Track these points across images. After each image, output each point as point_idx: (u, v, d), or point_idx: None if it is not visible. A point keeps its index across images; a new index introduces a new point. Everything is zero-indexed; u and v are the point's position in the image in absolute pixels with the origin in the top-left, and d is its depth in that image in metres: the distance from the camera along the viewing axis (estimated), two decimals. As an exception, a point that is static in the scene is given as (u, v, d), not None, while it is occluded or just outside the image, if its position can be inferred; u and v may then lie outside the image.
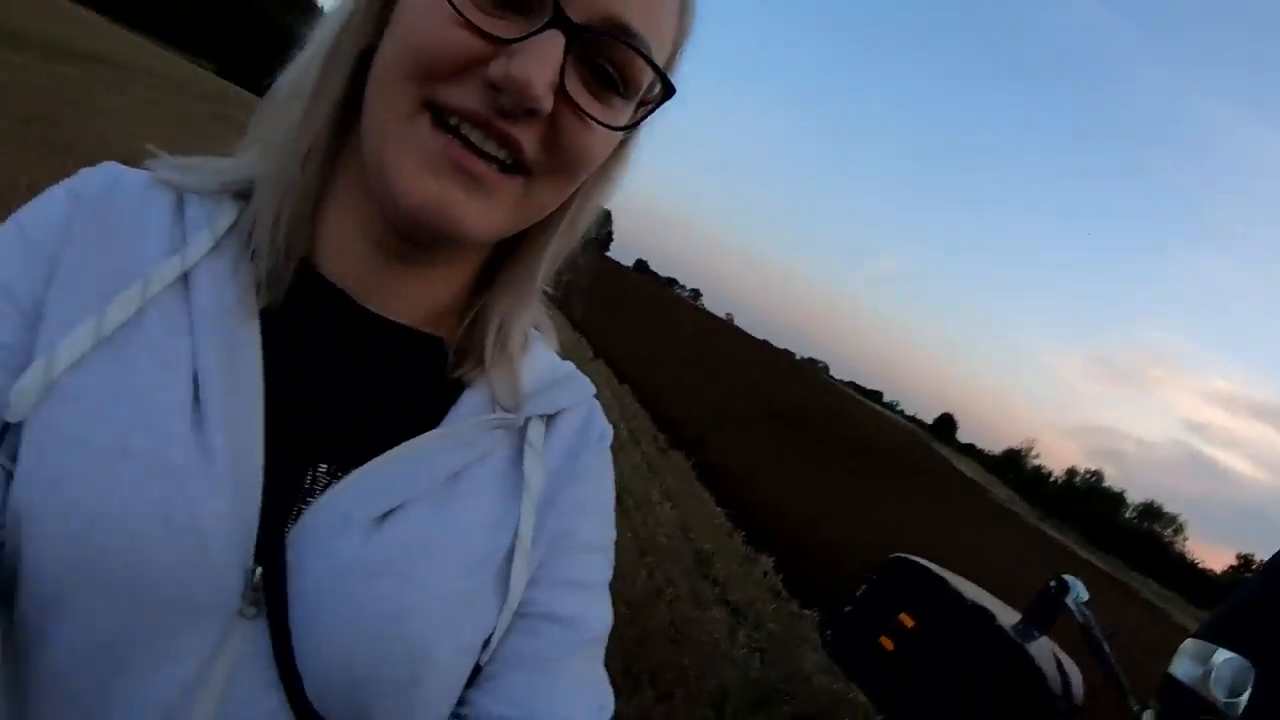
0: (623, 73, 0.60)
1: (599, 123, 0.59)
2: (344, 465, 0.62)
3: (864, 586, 3.46)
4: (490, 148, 0.57)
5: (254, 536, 0.56)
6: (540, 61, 0.54)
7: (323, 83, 0.64)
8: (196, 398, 0.58)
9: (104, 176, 0.65)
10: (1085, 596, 3.11)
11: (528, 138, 0.58)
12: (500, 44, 0.55)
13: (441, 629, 0.60)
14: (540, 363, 0.76)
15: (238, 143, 0.70)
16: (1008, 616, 3.01)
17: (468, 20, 0.55)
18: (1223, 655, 2.41)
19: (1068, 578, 3.12)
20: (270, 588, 0.56)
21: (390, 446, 0.63)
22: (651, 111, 0.66)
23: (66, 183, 0.65)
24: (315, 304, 0.65)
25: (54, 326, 0.57)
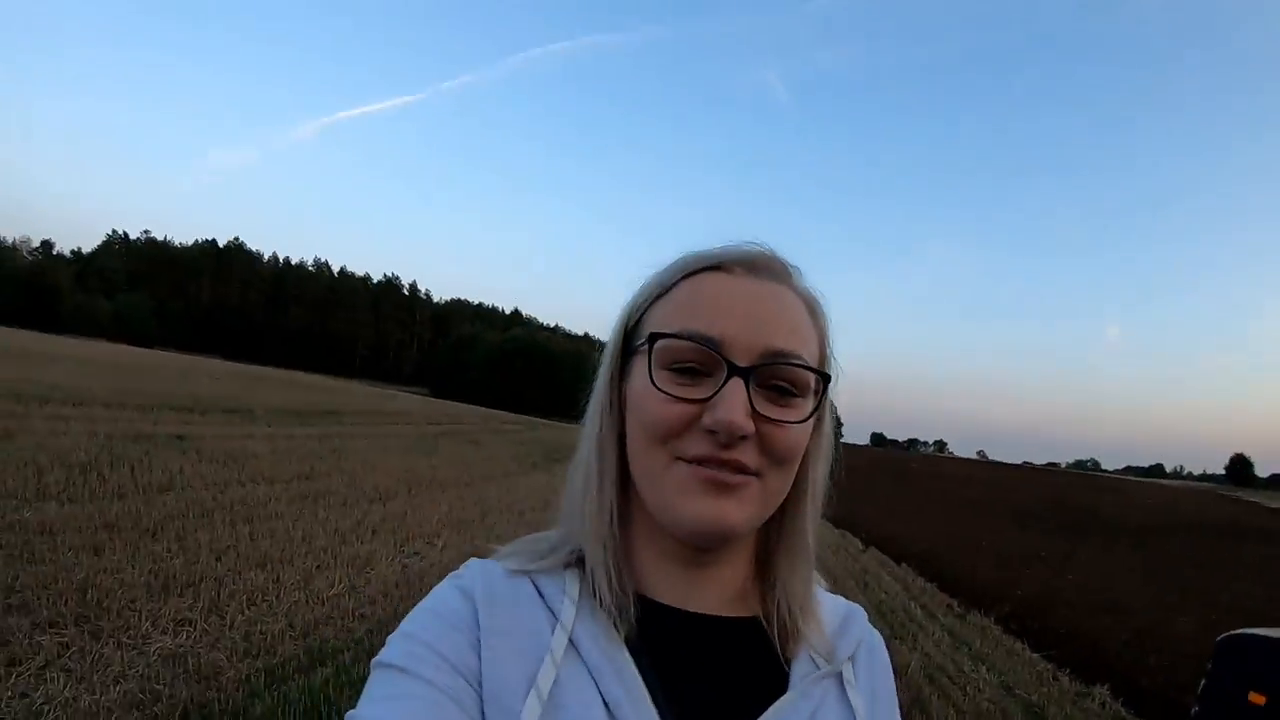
0: (791, 381, 0.81)
1: (789, 422, 0.80)
2: None
3: (1203, 680, 3.38)
4: (726, 470, 0.78)
5: None
6: (733, 405, 0.76)
7: (603, 467, 0.87)
8: (610, 715, 0.75)
9: (481, 577, 0.85)
10: None
11: (747, 454, 0.78)
12: (703, 403, 0.78)
13: None
14: (828, 608, 0.96)
15: (555, 519, 0.94)
16: None
17: (677, 397, 0.79)
18: None
19: None
20: None
21: (758, 714, 0.81)
22: (824, 395, 0.86)
23: (453, 581, 0.85)
24: (659, 621, 0.84)
25: (500, 697, 0.74)
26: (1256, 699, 2.93)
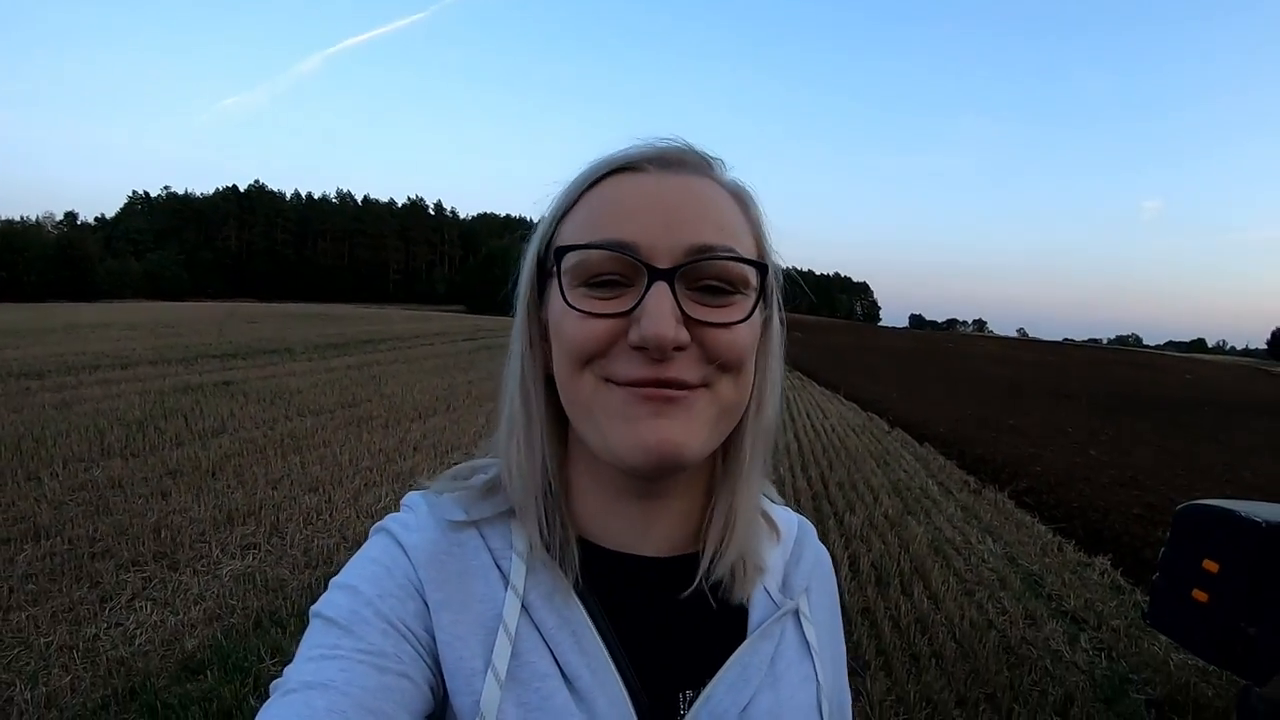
0: (725, 278, 0.72)
1: (730, 323, 0.71)
2: (696, 683, 0.78)
3: (1163, 549, 3.38)
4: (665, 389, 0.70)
5: None
6: (659, 314, 0.67)
7: (529, 410, 0.79)
8: (572, 687, 0.73)
9: (423, 530, 0.79)
10: None
11: (687, 367, 0.70)
12: (626, 316, 0.70)
13: None
14: (781, 526, 0.93)
15: (483, 448, 0.87)
16: None
17: (595, 314, 0.70)
18: None
19: None
20: None
21: (723, 659, 0.80)
22: (766, 289, 0.78)
23: (393, 536, 0.79)
24: (611, 570, 0.79)
25: (459, 676, 0.72)
26: (1210, 566, 3.05)
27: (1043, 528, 9.42)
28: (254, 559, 6.15)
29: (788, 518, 0.96)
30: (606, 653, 0.75)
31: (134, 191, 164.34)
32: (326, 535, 6.80)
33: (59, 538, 6.32)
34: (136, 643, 4.71)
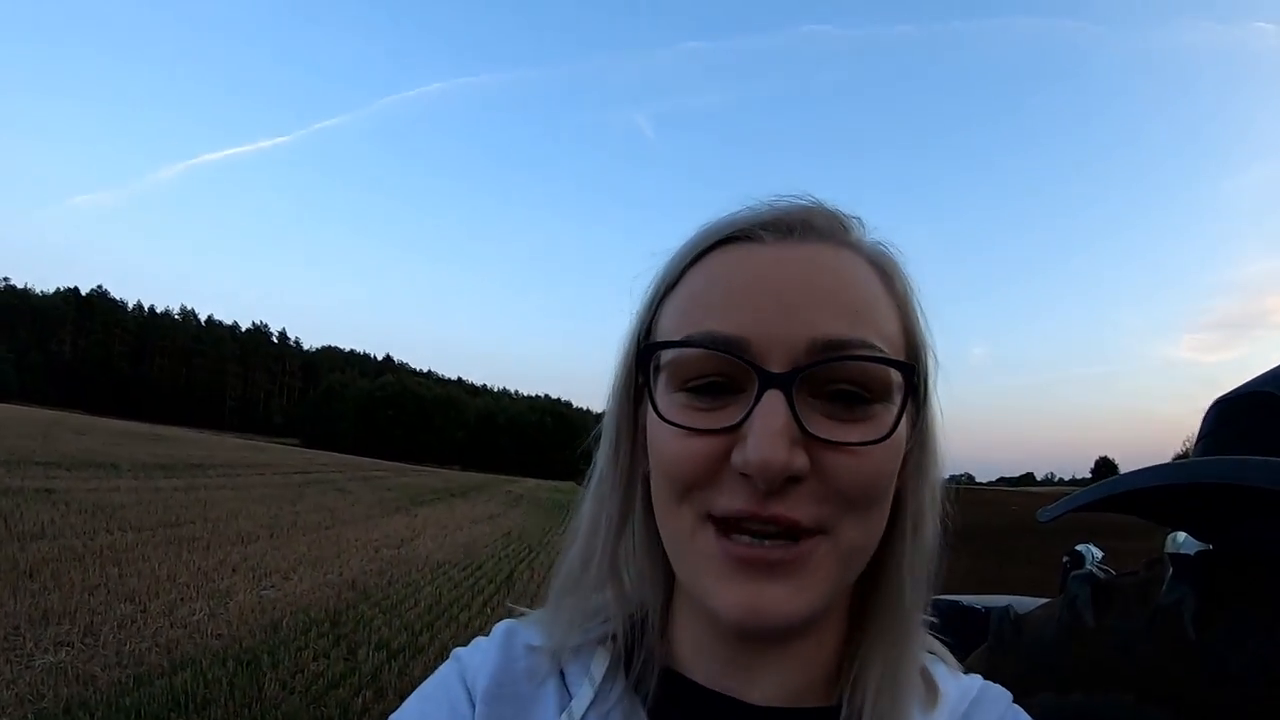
0: (860, 382, 0.57)
1: (863, 444, 0.56)
2: None
3: None
4: (772, 530, 0.56)
5: None
6: (767, 432, 0.53)
7: (616, 528, 0.68)
8: None
9: (492, 657, 0.70)
10: (1099, 556, 3.36)
11: (801, 504, 0.56)
12: (731, 433, 0.56)
13: None
14: (950, 695, 0.69)
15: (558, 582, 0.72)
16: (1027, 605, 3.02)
17: (694, 429, 0.57)
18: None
19: (1079, 548, 3.37)
20: None
21: None
22: (914, 393, 0.62)
23: (457, 665, 0.71)
24: (698, 713, 0.66)
25: None
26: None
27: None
28: (66, 655, 6.50)
29: (962, 683, 0.72)
30: None
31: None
32: (139, 641, 7.16)
33: None
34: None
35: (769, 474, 0.53)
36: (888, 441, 0.57)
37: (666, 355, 0.60)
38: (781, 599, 0.56)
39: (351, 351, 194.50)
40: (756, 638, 0.62)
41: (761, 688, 0.65)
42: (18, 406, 62.87)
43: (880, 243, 0.65)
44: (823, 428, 0.56)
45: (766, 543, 0.56)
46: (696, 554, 0.59)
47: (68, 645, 6.78)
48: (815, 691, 0.66)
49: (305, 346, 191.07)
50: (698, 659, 0.67)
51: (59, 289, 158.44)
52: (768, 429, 0.54)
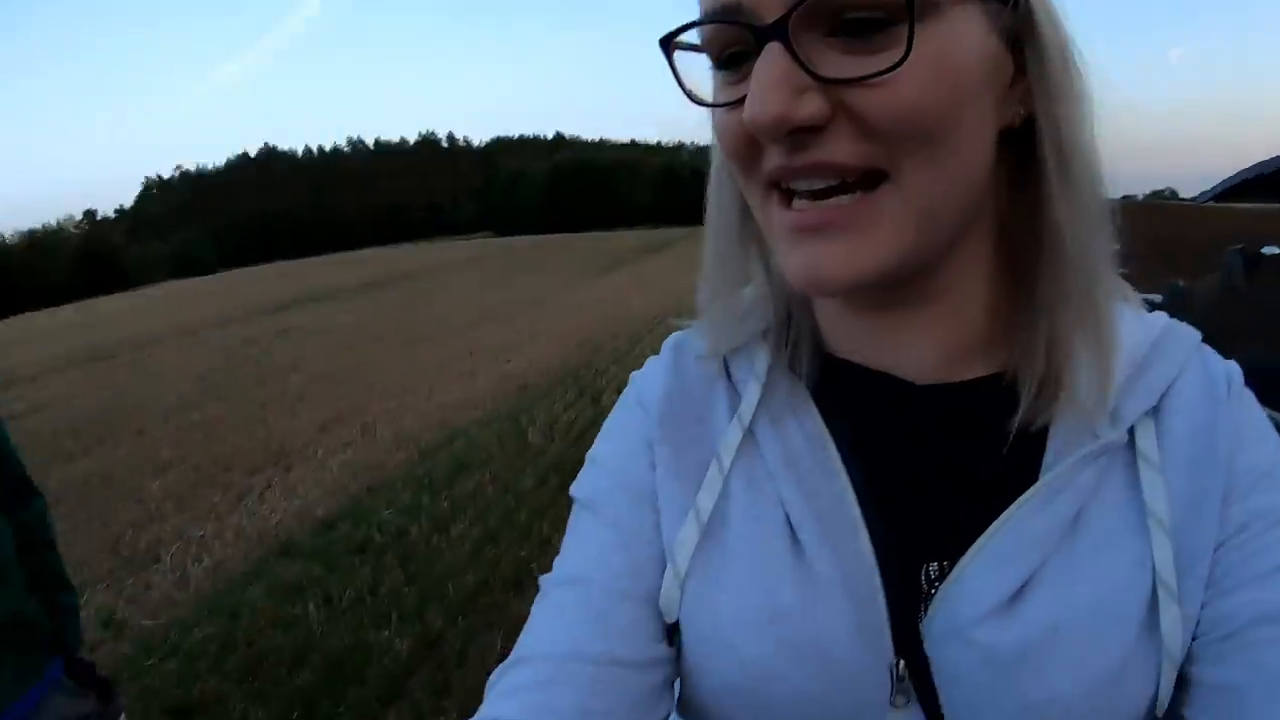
0: (870, 3, 0.47)
1: (885, 71, 0.46)
2: (950, 553, 0.57)
3: None
4: (813, 185, 0.51)
5: (886, 641, 0.56)
6: (761, 88, 0.47)
7: (725, 218, 0.64)
8: (794, 537, 0.59)
9: (663, 374, 0.70)
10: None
11: (836, 144, 0.49)
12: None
13: (1098, 708, 0.53)
14: (1130, 338, 0.60)
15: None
16: None
17: (720, 104, 0.54)
18: None
19: (1264, 249, 3.32)
20: (915, 676, 0.56)
21: (989, 520, 0.56)
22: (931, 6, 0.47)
23: (634, 387, 0.72)
24: (853, 390, 0.63)
25: (667, 521, 0.63)
26: None
27: None
28: (353, 453, 7.20)
29: (1147, 321, 0.63)
30: (852, 494, 0.59)
31: (147, 177, 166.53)
32: (409, 426, 7.86)
33: (184, 465, 7.49)
34: (274, 520, 5.78)
35: (764, 130, 0.48)
36: (905, 67, 0.46)
37: (690, 37, 0.54)
38: (841, 258, 0.51)
39: (521, 137, 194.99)
40: (825, 295, 0.60)
41: (911, 359, 0.61)
42: (225, 274, 67.52)
43: None
44: (833, 66, 0.48)
45: (823, 203, 0.51)
46: (770, 227, 0.56)
47: (351, 445, 7.49)
48: (974, 360, 0.61)
49: (475, 143, 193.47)
50: (845, 337, 0.64)
51: (229, 159, 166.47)
52: (759, 85, 0.48)
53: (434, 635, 3.94)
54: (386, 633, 3.99)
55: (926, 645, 0.56)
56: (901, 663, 0.56)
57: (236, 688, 3.72)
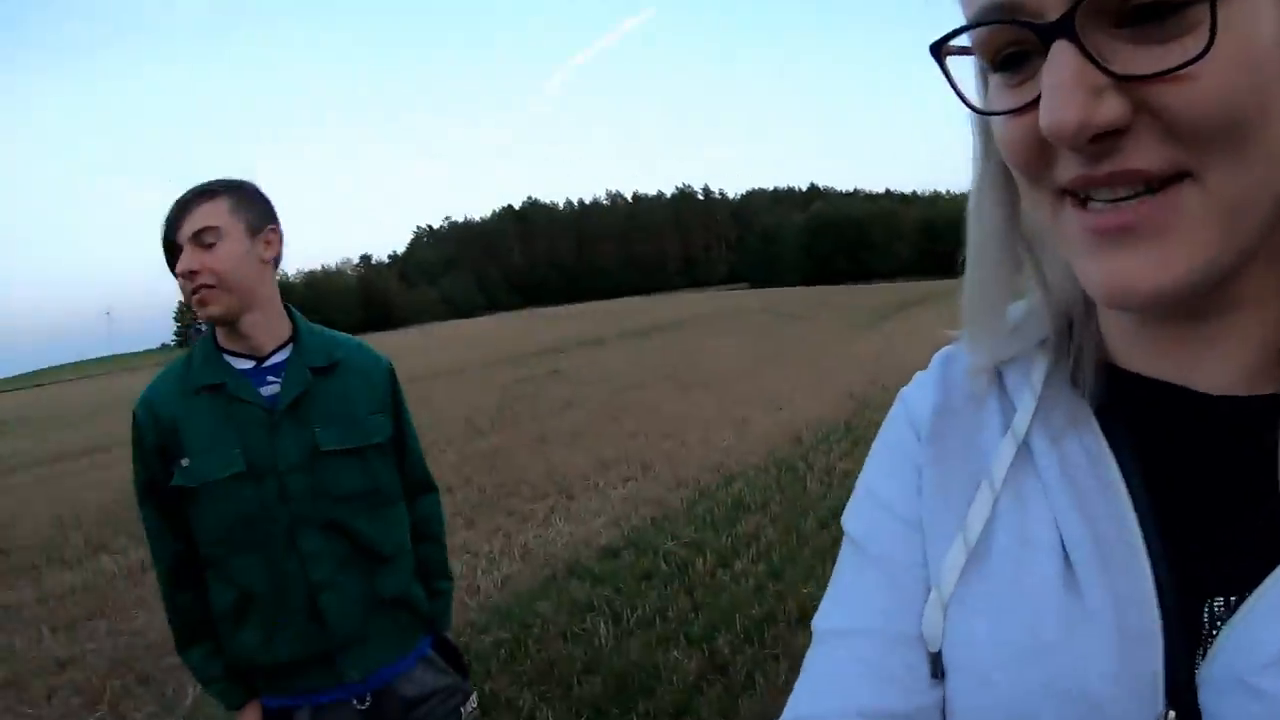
0: None
1: (1190, 62, 0.40)
2: (1238, 589, 0.49)
3: None
4: (1117, 193, 0.45)
5: (1158, 688, 0.49)
6: (1056, 92, 0.42)
7: (989, 227, 0.59)
8: (1067, 563, 0.54)
9: (932, 390, 0.67)
10: None
11: (1140, 149, 0.43)
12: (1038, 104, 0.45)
13: None
14: None
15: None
16: None
17: (1005, 111, 0.48)
18: None
19: None
20: None
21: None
22: None
23: (901, 406, 0.70)
24: (1139, 403, 0.56)
25: (934, 544, 0.60)
26: None
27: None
28: (633, 488, 7.43)
29: None
30: (1134, 518, 0.53)
31: (418, 226, 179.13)
32: (688, 467, 8.00)
33: (470, 488, 8.06)
34: (560, 543, 6.05)
35: (1065, 138, 0.43)
36: (1222, 54, 0.40)
37: (965, 40, 0.51)
38: (1148, 269, 0.45)
39: (775, 189, 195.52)
40: (1147, 314, 0.53)
41: (1206, 372, 0.53)
42: (488, 316, 71.52)
43: None
44: (1129, 61, 0.42)
45: (1123, 204, 0.45)
46: (1062, 235, 0.50)
47: (631, 479, 7.74)
48: (1261, 379, 0.51)
49: (730, 195, 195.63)
50: (1132, 348, 0.57)
51: (494, 211, 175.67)
52: (1053, 89, 0.43)
53: (721, 660, 3.99)
54: (675, 653, 4.08)
55: (1202, 694, 0.49)
56: (1173, 715, 0.49)
57: (527, 689, 3.92)
